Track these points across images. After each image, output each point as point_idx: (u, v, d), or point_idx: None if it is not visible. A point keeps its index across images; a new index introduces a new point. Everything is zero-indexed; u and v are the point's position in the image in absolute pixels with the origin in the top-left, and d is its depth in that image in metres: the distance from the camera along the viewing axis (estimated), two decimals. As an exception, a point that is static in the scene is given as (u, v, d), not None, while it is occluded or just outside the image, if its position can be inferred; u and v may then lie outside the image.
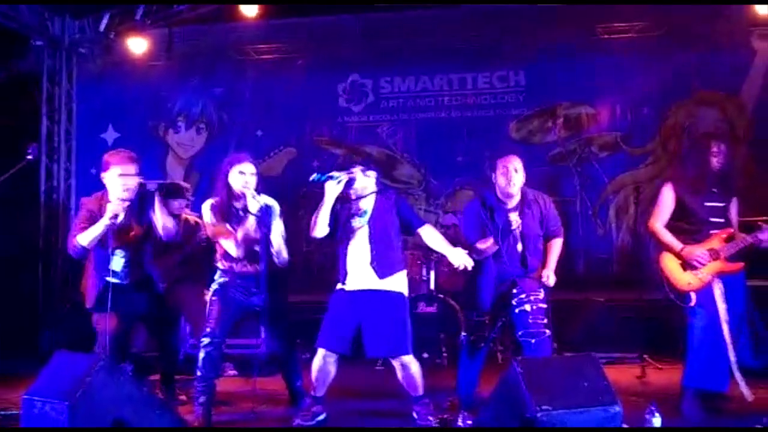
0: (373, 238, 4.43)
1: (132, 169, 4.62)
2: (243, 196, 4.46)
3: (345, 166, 4.62)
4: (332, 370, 4.44)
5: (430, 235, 4.55)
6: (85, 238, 4.51)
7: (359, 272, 4.42)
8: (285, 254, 4.55)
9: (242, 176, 4.46)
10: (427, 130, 8.34)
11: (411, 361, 4.36)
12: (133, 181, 4.60)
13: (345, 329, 4.37)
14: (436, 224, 8.15)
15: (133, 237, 4.69)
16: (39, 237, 8.52)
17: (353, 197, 4.49)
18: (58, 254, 8.50)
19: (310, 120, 8.54)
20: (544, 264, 4.64)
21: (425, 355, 6.62)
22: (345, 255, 4.47)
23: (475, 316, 4.68)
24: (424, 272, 6.94)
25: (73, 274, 8.47)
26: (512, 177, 4.55)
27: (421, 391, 4.37)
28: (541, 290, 4.50)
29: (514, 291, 4.48)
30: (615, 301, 6.95)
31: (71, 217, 8.64)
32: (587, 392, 3.35)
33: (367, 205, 4.52)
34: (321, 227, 4.42)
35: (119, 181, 4.58)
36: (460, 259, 4.37)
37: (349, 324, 4.37)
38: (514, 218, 4.59)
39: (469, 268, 4.37)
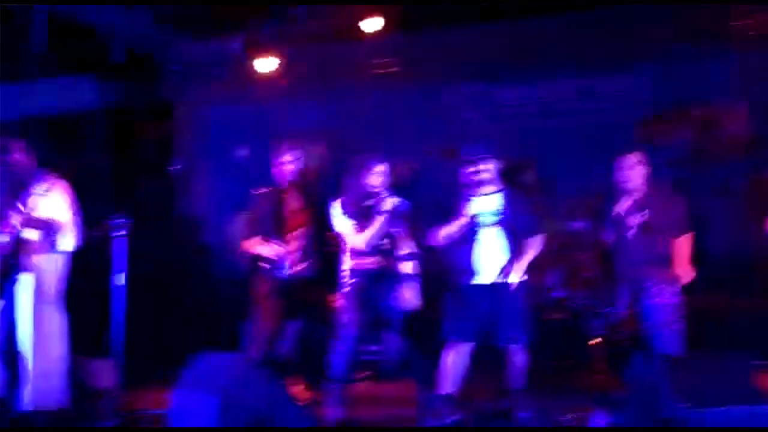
0: (501, 237, 4.66)
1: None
2: (375, 195, 4.57)
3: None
4: (465, 363, 4.52)
5: (530, 248, 4.72)
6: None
7: (487, 268, 4.57)
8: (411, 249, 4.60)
9: (375, 176, 4.59)
10: (548, 136, 8.21)
11: (523, 352, 4.53)
12: None
13: (474, 321, 4.49)
14: (562, 231, 8.04)
15: None
16: (177, 255, 8.99)
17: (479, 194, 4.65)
18: (193, 270, 8.94)
19: (428, 132, 8.60)
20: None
21: (552, 362, 6.54)
22: (473, 252, 4.60)
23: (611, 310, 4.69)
24: (551, 277, 6.86)
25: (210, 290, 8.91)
26: (628, 172, 4.77)
27: (523, 385, 4.51)
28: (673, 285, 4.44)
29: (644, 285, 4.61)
30: (759, 305, 6.62)
31: (205, 234, 9.10)
32: (733, 390, 3.21)
33: (494, 204, 4.69)
34: (446, 238, 4.67)
35: None
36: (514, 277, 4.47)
37: (478, 315, 4.45)
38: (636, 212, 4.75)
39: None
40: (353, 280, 4.71)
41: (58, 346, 4.41)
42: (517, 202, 4.80)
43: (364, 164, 4.77)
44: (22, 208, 4.35)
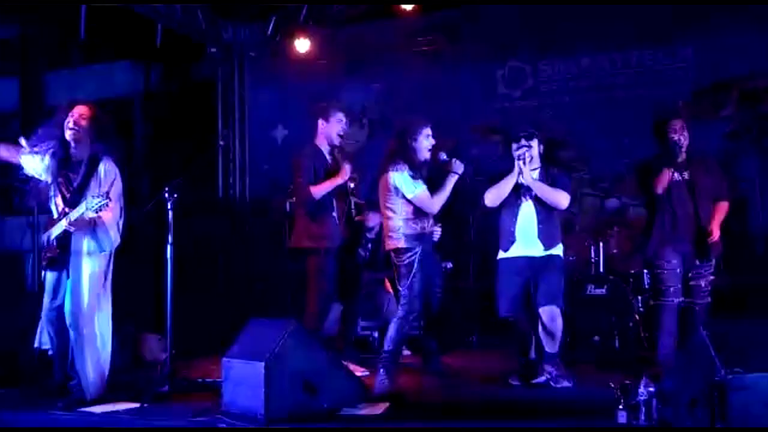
0: (539, 213, 4.78)
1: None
2: (436, 158, 4.84)
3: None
4: (530, 330, 4.78)
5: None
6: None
7: (526, 242, 4.75)
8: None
9: (428, 139, 4.78)
10: (589, 111, 8.13)
11: (558, 314, 4.64)
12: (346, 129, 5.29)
13: (517, 293, 4.74)
14: (601, 208, 8.00)
15: None
16: (220, 233, 9.14)
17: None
18: (238, 250, 9.08)
19: (470, 109, 8.58)
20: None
21: (596, 338, 6.52)
22: (514, 221, 4.79)
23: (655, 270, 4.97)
24: (593, 254, 6.83)
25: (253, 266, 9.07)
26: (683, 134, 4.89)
27: (556, 349, 4.63)
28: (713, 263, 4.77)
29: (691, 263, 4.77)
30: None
31: (248, 213, 9.23)
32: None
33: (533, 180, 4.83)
34: (496, 199, 4.81)
35: (338, 127, 5.23)
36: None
37: (520, 286, 4.73)
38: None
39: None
40: (417, 249, 4.65)
41: (106, 335, 4.48)
42: (557, 178, 4.92)
43: (417, 128, 4.75)
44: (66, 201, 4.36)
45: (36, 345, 4.66)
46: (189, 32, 8.57)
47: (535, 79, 8.38)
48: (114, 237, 4.49)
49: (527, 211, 4.81)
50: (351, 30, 8.92)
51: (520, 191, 4.84)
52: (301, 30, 8.67)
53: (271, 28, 8.88)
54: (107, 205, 4.21)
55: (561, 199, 4.81)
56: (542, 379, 4.65)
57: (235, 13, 8.97)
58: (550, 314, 4.61)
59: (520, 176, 4.80)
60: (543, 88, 8.36)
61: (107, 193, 4.25)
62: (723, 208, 4.96)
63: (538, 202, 4.80)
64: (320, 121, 5.29)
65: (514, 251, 4.79)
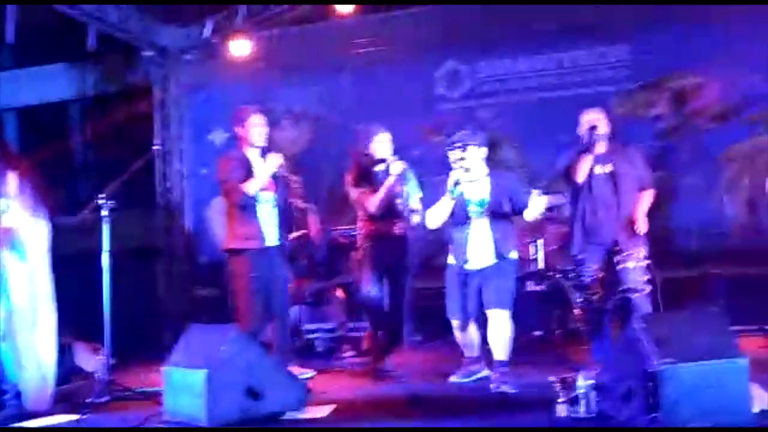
0: (492, 225, 4.63)
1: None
2: (383, 161, 4.98)
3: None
4: (473, 334, 4.75)
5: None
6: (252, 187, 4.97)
7: (479, 255, 4.63)
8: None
9: (381, 144, 5.01)
10: (527, 112, 8.25)
11: (506, 318, 4.55)
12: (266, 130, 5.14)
13: (467, 299, 4.65)
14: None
15: None
16: (159, 236, 9.01)
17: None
18: (176, 253, 8.97)
19: (409, 110, 8.61)
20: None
21: (536, 333, 6.66)
22: (464, 240, 4.65)
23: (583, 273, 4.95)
24: (532, 251, 6.96)
25: (193, 272, 8.97)
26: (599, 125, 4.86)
27: (505, 357, 4.54)
28: (644, 246, 4.65)
29: (616, 248, 4.69)
30: (733, 274, 6.74)
31: (185, 216, 9.12)
32: (711, 345, 3.30)
33: (482, 192, 4.67)
34: (437, 221, 4.68)
35: (257, 130, 5.09)
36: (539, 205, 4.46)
37: (471, 295, 4.64)
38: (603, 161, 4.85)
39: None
40: (367, 245, 5.01)
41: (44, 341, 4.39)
42: (506, 181, 4.74)
43: (367, 134, 5.03)
44: None
45: None
46: (123, 35, 8.42)
47: (473, 80, 8.48)
48: (38, 242, 4.43)
49: (479, 227, 4.64)
50: (289, 32, 8.88)
51: (467, 209, 4.65)
52: (239, 32, 8.61)
53: (209, 30, 8.78)
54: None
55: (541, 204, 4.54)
56: (485, 374, 4.67)
57: (170, 16, 8.85)
58: (500, 317, 4.53)
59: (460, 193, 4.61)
60: (481, 89, 8.46)
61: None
62: (647, 196, 4.92)
63: (495, 217, 4.62)
64: (237, 128, 5.22)
65: (466, 266, 4.67)
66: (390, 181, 4.94)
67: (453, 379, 4.79)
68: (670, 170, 7.63)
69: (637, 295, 4.64)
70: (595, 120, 4.90)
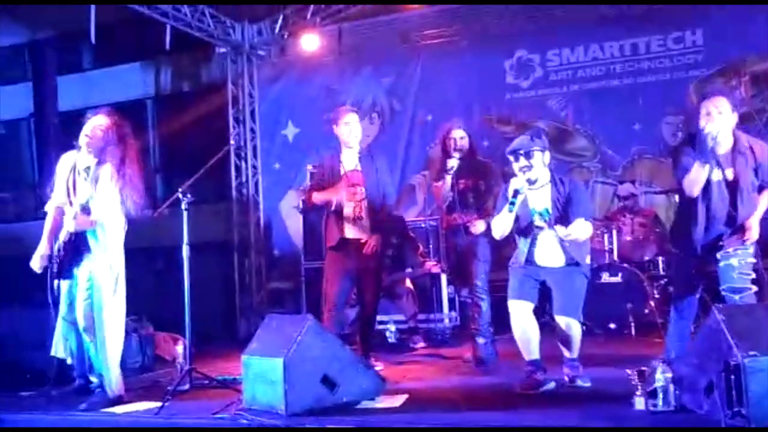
0: (560, 239, 4.32)
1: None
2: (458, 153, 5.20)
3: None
4: (531, 325, 4.40)
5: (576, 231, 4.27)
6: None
7: (548, 258, 4.43)
8: None
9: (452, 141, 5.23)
10: (599, 100, 8.12)
11: (576, 325, 4.39)
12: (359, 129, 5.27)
13: (530, 285, 4.45)
14: (614, 196, 7.98)
15: None
16: (233, 231, 9.22)
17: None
18: (251, 246, 9.16)
19: (479, 100, 8.57)
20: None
21: (612, 326, 6.55)
22: (532, 247, 4.43)
23: (679, 262, 4.55)
24: (606, 242, 6.86)
25: (268, 265, 9.16)
26: (715, 118, 4.10)
27: (575, 354, 4.42)
28: (751, 245, 4.20)
29: (720, 243, 4.22)
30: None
31: (260, 210, 9.31)
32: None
33: (545, 200, 4.42)
34: (501, 232, 4.46)
35: (348, 129, 5.21)
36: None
37: (535, 284, 4.46)
38: (724, 164, 4.18)
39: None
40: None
41: (118, 332, 4.59)
42: (572, 196, 4.39)
43: (445, 130, 5.24)
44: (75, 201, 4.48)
45: (53, 353, 4.73)
46: (198, 33, 8.63)
47: (544, 68, 8.37)
48: (117, 236, 4.58)
49: (546, 237, 4.40)
50: (359, 25, 8.96)
51: (532, 218, 4.40)
52: (308, 27, 8.72)
53: (278, 26, 8.93)
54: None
55: (585, 233, 4.30)
56: (552, 386, 4.37)
57: (242, 13, 9.02)
58: (567, 324, 4.35)
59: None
60: (552, 77, 8.35)
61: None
62: (765, 198, 4.28)
63: (561, 227, 4.27)
64: (333, 127, 5.34)
65: (533, 262, 4.47)
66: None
67: (519, 391, 4.36)
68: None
69: (738, 296, 4.10)
70: (714, 113, 4.11)
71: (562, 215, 4.34)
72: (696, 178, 4.14)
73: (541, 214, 4.38)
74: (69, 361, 4.70)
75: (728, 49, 7.66)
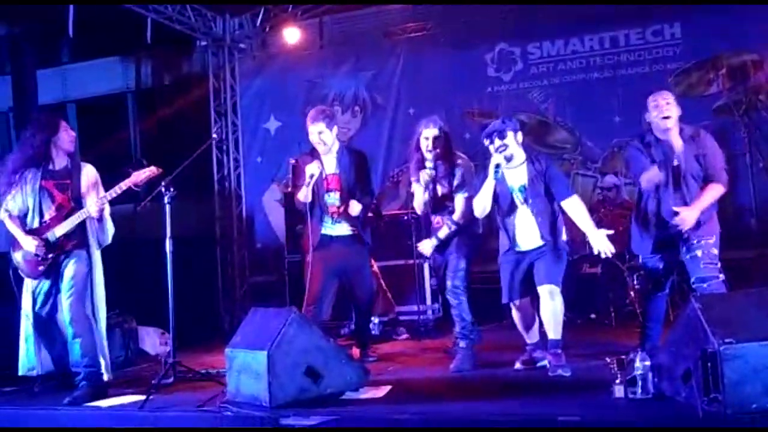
0: (534, 210, 4.60)
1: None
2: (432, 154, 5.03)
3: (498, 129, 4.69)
4: (530, 316, 4.75)
5: (574, 210, 4.56)
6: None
7: (527, 238, 4.65)
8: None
9: (425, 140, 5.03)
10: (579, 92, 8.18)
11: (556, 293, 4.52)
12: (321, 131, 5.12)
13: (518, 279, 4.67)
14: (595, 188, 8.06)
15: None
16: (215, 224, 9.20)
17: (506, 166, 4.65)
18: (234, 240, 9.15)
19: (460, 93, 8.59)
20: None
21: (592, 316, 6.64)
22: (512, 226, 4.68)
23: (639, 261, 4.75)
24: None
25: (250, 258, 9.15)
26: (663, 108, 4.37)
27: (557, 335, 4.50)
28: (714, 235, 4.37)
29: (684, 236, 4.37)
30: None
31: (242, 203, 9.30)
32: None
33: (522, 177, 4.65)
34: (481, 208, 4.69)
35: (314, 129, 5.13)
36: (600, 244, 4.41)
37: (522, 274, 4.64)
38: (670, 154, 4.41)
39: (610, 255, 4.46)
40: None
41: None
42: (546, 166, 4.64)
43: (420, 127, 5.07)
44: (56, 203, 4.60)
45: (21, 373, 4.77)
46: (179, 26, 8.59)
47: (525, 61, 8.42)
48: (111, 232, 4.79)
49: (524, 213, 4.64)
50: (340, 18, 8.95)
51: (511, 196, 4.65)
52: (290, 20, 8.71)
53: (260, 19, 8.91)
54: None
55: (582, 207, 4.58)
56: (546, 362, 4.57)
57: (223, 6, 8.98)
58: (550, 292, 4.50)
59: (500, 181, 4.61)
60: (533, 70, 8.40)
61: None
62: (713, 189, 4.43)
63: (535, 202, 4.58)
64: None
65: (517, 248, 4.69)
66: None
67: (517, 365, 4.73)
68: (729, 148, 7.46)
69: (706, 284, 4.25)
70: (664, 107, 4.38)
71: (546, 192, 4.59)
72: (652, 177, 4.40)
73: (520, 191, 4.63)
74: (35, 372, 4.73)
75: (706, 41, 7.75)
